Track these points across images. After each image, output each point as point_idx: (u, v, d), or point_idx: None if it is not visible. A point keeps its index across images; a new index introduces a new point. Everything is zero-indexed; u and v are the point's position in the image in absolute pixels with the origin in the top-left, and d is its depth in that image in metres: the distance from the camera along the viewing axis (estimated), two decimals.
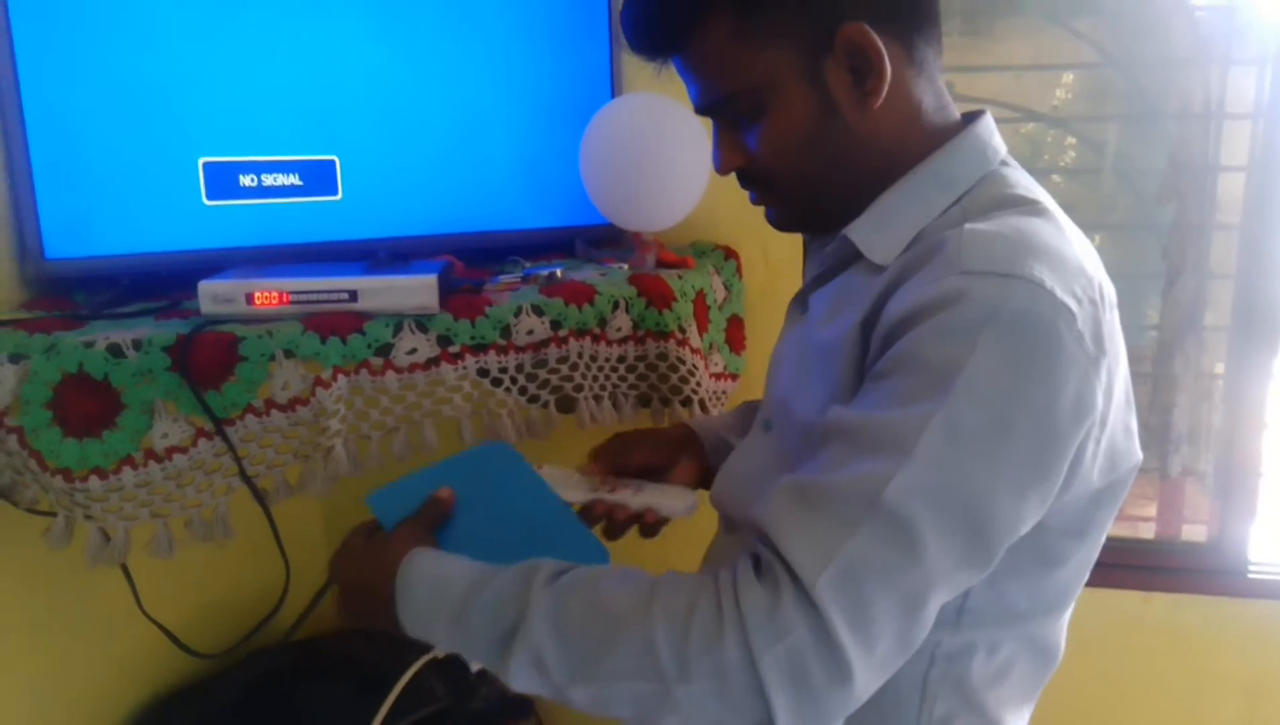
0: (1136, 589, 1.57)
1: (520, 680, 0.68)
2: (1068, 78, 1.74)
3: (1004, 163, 0.79)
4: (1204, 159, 1.64)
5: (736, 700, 0.62)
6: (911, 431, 0.62)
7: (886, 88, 0.73)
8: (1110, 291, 0.71)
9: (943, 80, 0.79)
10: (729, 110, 0.79)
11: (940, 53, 0.78)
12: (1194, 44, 1.63)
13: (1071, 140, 1.80)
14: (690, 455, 1.02)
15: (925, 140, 0.77)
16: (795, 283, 1.51)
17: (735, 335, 1.45)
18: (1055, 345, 0.64)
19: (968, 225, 0.69)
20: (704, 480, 1.02)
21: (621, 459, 0.99)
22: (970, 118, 0.80)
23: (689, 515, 0.95)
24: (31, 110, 1.06)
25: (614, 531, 0.95)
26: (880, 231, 0.76)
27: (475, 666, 0.74)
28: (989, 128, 0.79)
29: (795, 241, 1.50)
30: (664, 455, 1.00)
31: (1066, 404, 0.64)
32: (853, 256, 0.78)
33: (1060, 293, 0.64)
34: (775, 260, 1.51)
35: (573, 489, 0.94)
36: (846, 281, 0.79)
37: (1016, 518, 0.65)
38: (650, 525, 0.95)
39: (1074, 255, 0.69)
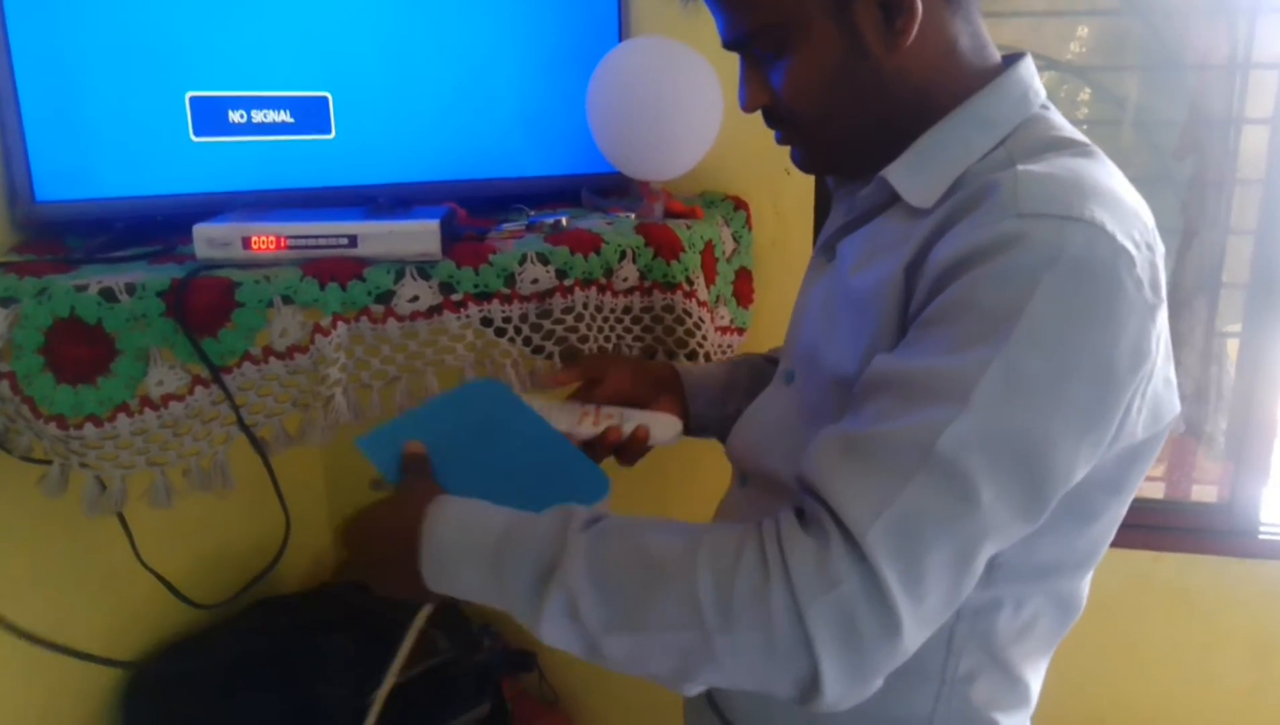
0: (1146, 548, 1.55)
1: (552, 630, 0.66)
2: (1082, 31, 1.69)
3: (1044, 106, 0.76)
4: (1227, 111, 1.60)
5: (781, 653, 0.60)
6: (968, 379, 0.60)
7: (917, 26, 0.70)
8: (1159, 240, 0.68)
9: (982, 20, 0.76)
10: (755, 46, 0.76)
11: None
12: None
13: (1085, 95, 1.75)
14: (670, 395, 1.00)
15: (960, 82, 0.74)
16: (806, 235, 1.49)
17: (743, 288, 1.42)
18: (1116, 290, 0.61)
19: (1020, 166, 0.66)
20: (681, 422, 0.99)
21: (596, 374, 0.96)
22: (1010, 60, 0.77)
23: (674, 442, 0.94)
24: (18, 45, 1.02)
25: (603, 453, 0.92)
26: (919, 174, 0.73)
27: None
28: (1030, 70, 0.76)
29: (806, 192, 1.47)
30: (643, 387, 0.98)
31: (1125, 351, 0.62)
32: (888, 201, 0.75)
33: (1120, 236, 0.62)
34: (786, 211, 1.47)
35: (557, 415, 0.92)
36: (881, 226, 0.76)
37: (1071, 467, 0.63)
38: (636, 449, 0.93)
39: (1129, 199, 0.67)
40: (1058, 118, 0.76)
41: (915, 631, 0.60)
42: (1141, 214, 0.67)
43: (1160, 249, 0.68)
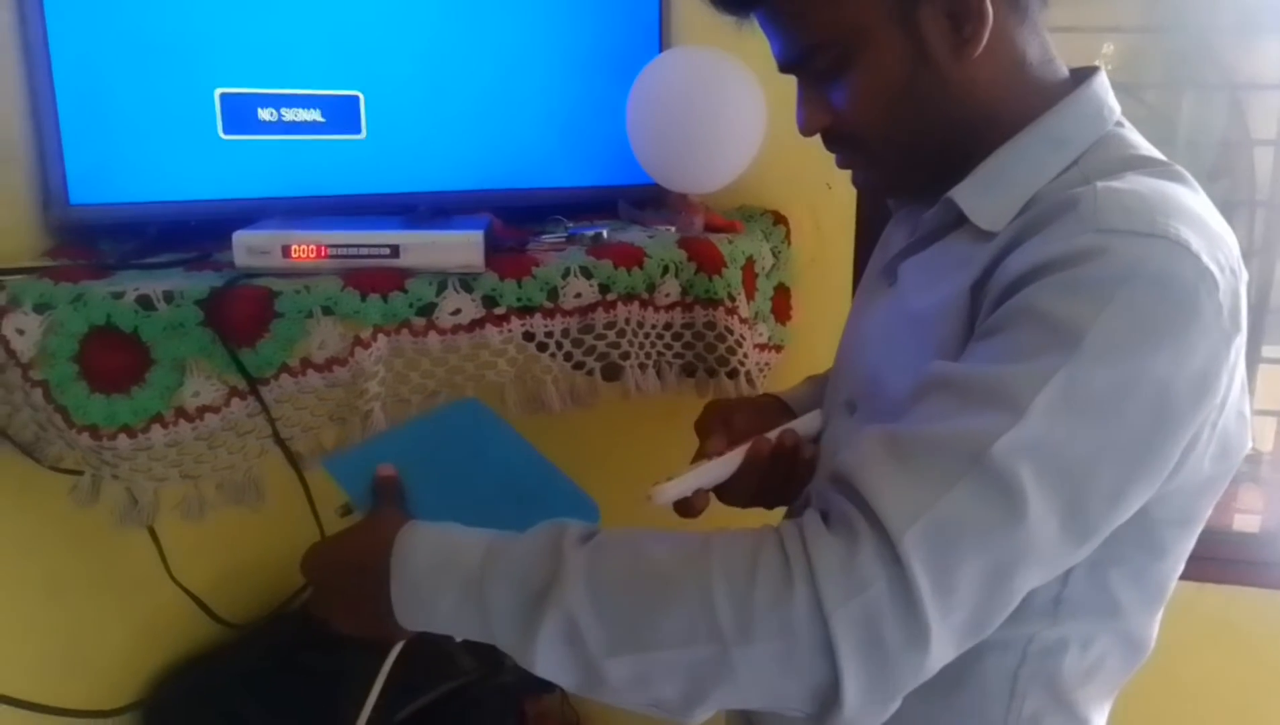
0: (1189, 579, 1.51)
1: (547, 658, 0.61)
2: (1108, 48, 1.67)
3: (1119, 124, 0.73)
4: (1270, 134, 1.57)
5: (800, 661, 0.57)
6: (1028, 388, 0.57)
7: (987, 34, 0.67)
8: (1244, 268, 0.65)
9: (1048, 34, 0.73)
10: (815, 63, 0.72)
11: (1046, 3, 0.72)
12: (1268, 9, 1.55)
13: None
14: (787, 420, 0.94)
15: (1030, 96, 0.71)
16: (847, 252, 1.46)
17: (781, 305, 1.40)
18: (1192, 311, 0.58)
19: (1100, 183, 0.64)
20: None
21: (727, 425, 0.89)
22: (1082, 75, 0.74)
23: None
24: (57, 47, 1.00)
25: (792, 466, 0.84)
26: (988, 195, 0.70)
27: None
28: (1104, 85, 0.73)
29: (848, 209, 1.45)
30: (764, 421, 0.91)
31: (1191, 376, 0.59)
32: (954, 223, 0.72)
33: (1205, 257, 0.59)
34: (826, 228, 1.45)
35: (715, 468, 0.83)
36: (946, 248, 0.73)
37: (1121, 490, 0.60)
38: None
39: (1214, 223, 0.64)
40: (1135, 136, 0.73)
41: (941, 647, 0.57)
42: (1227, 239, 0.64)
43: (1245, 277, 0.65)
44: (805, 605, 0.56)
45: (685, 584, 0.59)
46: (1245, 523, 1.63)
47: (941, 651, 0.57)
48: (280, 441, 0.93)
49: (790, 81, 0.77)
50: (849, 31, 0.69)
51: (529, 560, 0.63)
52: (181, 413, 0.89)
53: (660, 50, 1.36)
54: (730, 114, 1.21)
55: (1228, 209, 1.60)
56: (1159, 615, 0.78)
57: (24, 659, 1.08)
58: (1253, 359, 1.58)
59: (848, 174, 0.81)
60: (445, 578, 0.64)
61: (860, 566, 0.56)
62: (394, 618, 0.65)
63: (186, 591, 1.05)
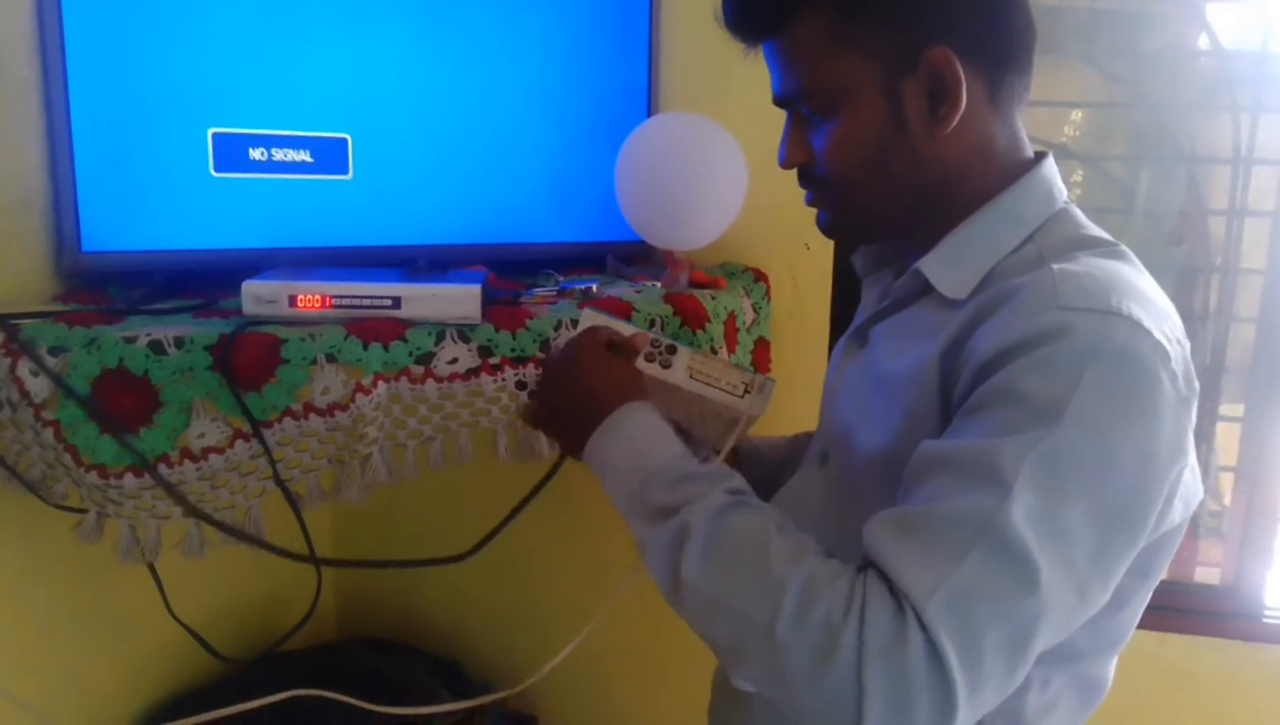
0: (1153, 629, 1.56)
1: (656, 545, 0.72)
2: (1076, 114, 1.75)
3: (1066, 203, 0.80)
4: (1226, 202, 1.65)
5: (829, 692, 0.60)
6: (1015, 460, 0.61)
7: (958, 117, 0.74)
8: (1186, 337, 0.71)
9: (1022, 123, 0.80)
10: (804, 104, 0.79)
11: (1022, 99, 0.79)
12: (1223, 88, 1.64)
13: (1077, 176, 1.80)
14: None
15: (991, 176, 0.78)
16: (823, 308, 1.52)
17: (760, 358, 1.45)
18: (1156, 385, 0.64)
19: (1055, 265, 0.70)
20: None
21: None
22: (1035, 158, 0.81)
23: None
24: (77, 100, 1.05)
25: None
26: (952, 267, 0.76)
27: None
28: (1052, 168, 0.80)
29: (825, 266, 1.51)
30: None
31: (1165, 445, 0.65)
32: (920, 291, 0.79)
33: (1157, 333, 0.65)
34: (804, 285, 1.51)
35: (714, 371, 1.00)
36: (914, 315, 0.79)
37: (1122, 552, 0.65)
38: None
39: (1159, 299, 0.70)
40: (1081, 215, 0.80)
41: (966, 720, 0.60)
42: (1171, 313, 0.70)
43: (1188, 346, 0.71)
44: (849, 646, 0.59)
45: (776, 563, 0.65)
46: (1206, 575, 1.68)
47: (966, 722, 0.60)
48: (280, 482, 0.96)
49: (770, 151, 0.84)
50: (839, 85, 0.76)
51: (694, 480, 0.74)
52: (187, 453, 0.92)
53: (648, 115, 1.43)
54: (714, 176, 1.27)
55: (1188, 274, 1.69)
56: (1115, 659, 0.82)
57: (20, 692, 1.09)
58: (1211, 417, 1.65)
59: (826, 236, 0.88)
60: (651, 452, 0.78)
61: (904, 630, 0.59)
62: (584, 447, 0.83)
63: (186, 627, 1.07)
